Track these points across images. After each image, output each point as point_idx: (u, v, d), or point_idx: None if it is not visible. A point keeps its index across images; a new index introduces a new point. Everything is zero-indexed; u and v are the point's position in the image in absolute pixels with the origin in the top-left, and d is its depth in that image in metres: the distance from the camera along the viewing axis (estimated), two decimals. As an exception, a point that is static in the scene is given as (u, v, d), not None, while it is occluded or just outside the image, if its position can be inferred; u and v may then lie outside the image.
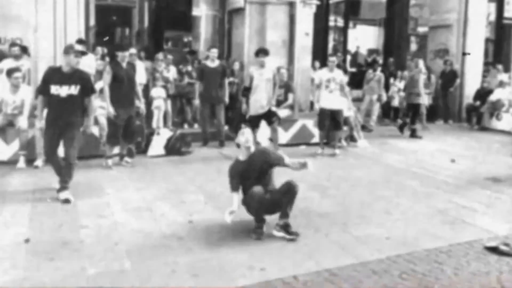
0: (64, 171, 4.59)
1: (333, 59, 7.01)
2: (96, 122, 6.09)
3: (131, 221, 4.06)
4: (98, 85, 5.83)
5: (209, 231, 3.86)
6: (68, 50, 4.62)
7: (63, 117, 4.54)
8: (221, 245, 3.60)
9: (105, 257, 3.34)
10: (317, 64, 9.94)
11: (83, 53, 4.72)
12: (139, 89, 6.10)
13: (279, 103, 7.65)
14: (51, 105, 4.58)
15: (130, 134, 5.92)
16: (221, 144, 7.32)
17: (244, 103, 6.85)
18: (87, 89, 4.67)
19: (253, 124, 6.45)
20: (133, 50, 7.59)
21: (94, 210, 4.30)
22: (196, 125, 8.47)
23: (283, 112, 7.60)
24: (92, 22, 11.19)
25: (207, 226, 3.98)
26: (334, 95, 6.78)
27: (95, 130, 5.95)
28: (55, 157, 4.67)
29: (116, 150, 6.08)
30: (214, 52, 7.42)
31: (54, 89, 4.50)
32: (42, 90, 4.62)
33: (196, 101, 7.42)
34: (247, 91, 6.76)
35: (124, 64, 5.80)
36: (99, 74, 6.55)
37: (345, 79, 7.30)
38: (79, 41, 7.08)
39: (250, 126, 6.59)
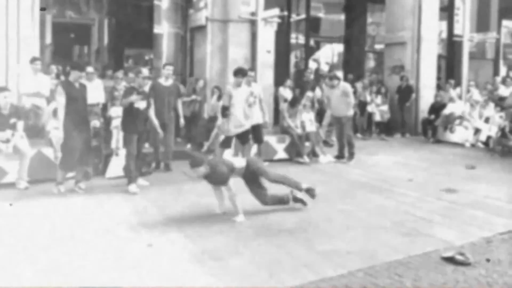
0: None
1: (251, 74, 7.07)
2: (50, 143, 5.86)
3: (87, 246, 3.90)
4: (52, 106, 5.62)
5: (169, 255, 3.76)
6: None
7: None
8: (182, 268, 3.51)
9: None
10: (289, 82, 9.87)
11: None
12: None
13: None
14: None
15: (86, 157, 5.62)
16: (167, 167, 6.83)
17: (225, 122, 6.55)
18: None
19: (228, 144, 6.55)
20: (90, 69, 7.45)
21: (51, 241, 4.10)
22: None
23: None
24: (48, 40, 10.91)
25: (167, 249, 3.87)
26: (253, 110, 6.80)
27: (49, 152, 5.71)
28: None
29: (70, 173, 5.83)
30: (170, 69, 6.89)
31: None
32: None
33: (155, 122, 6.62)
34: (227, 110, 6.47)
35: (77, 84, 5.51)
36: (53, 93, 6.31)
37: (262, 92, 7.29)
38: (33, 59, 6.86)
39: (225, 146, 6.59)
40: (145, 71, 6.13)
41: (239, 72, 6.46)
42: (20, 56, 6.99)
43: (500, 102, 9.59)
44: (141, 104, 5.66)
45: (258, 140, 7.16)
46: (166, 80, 6.86)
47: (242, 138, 6.61)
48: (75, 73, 5.50)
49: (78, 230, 4.28)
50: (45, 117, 6.60)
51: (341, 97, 7.85)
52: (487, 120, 9.62)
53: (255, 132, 7.01)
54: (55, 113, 5.56)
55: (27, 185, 5.71)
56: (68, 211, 4.87)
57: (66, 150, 5.44)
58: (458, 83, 11.80)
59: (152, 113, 5.96)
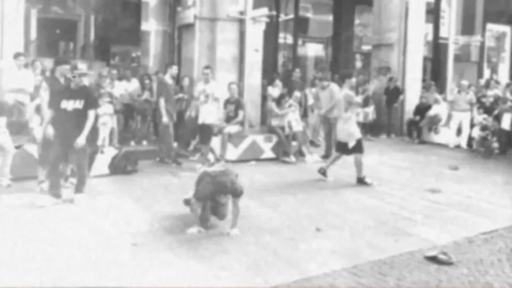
0: None
1: (206, 71, 7.23)
2: (34, 140, 5.75)
3: (70, 245, 3.85)
4: (35, 102, 5.51)
5: (154, 254, 3.73)
6: None
7: None
8: (167, 267, 3.49)
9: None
10: (278, 81, 9.89)
11: None
12: None
13: (229, 119, 7.70)
14: None
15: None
16: (177, 162, 7.20)
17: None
18: None
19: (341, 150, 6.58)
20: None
21: (35, 241, 4.03)
22: (145, 142, 8.29)
23: (233, 128, 7.63)
24: (33, 35, 10.74)
25: (152, 249, 3.84)
26: (205, 108, 6.92)
27: (33, 149, 5.61)
28: None
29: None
30: (176, 69, 7.43)
31: None
32: None
33: (165, 118, 7.08)
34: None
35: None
36: (38, 89, 6.18)
37: (218, 91, 7.42)
38: (17, 55, 6.74)
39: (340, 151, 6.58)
40: (81, 66, 5.69)
41: (348, 74, 6.78)
42: (4, 51, 6.85)
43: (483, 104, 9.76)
44: (69, 105, 4.95)
45: (205, 141, 7.33)
46: (172, 79, 7.29)
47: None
48: (61, 68, 5.34)
49: (61, 228, 4.23)
50: (29, 113, 6.48)
51: (330, 98, 7.90)
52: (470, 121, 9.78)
53: (205, 132, 7.15)
54: (38, 109, 5.44)
55: (9, 182, 5.60)
56: (50, 210, 4.79)
57: (46, 145, 5.26)
58: (443, 85, 11.96)
59: (162, 107, 6.32)
